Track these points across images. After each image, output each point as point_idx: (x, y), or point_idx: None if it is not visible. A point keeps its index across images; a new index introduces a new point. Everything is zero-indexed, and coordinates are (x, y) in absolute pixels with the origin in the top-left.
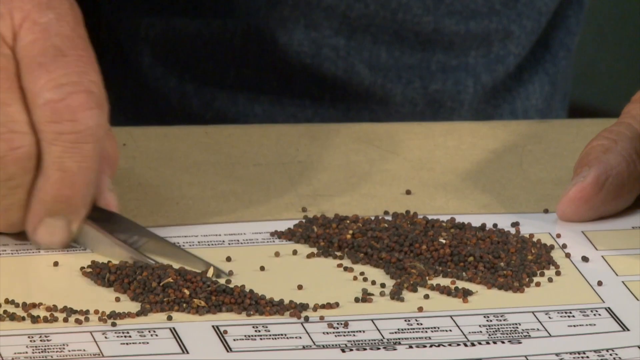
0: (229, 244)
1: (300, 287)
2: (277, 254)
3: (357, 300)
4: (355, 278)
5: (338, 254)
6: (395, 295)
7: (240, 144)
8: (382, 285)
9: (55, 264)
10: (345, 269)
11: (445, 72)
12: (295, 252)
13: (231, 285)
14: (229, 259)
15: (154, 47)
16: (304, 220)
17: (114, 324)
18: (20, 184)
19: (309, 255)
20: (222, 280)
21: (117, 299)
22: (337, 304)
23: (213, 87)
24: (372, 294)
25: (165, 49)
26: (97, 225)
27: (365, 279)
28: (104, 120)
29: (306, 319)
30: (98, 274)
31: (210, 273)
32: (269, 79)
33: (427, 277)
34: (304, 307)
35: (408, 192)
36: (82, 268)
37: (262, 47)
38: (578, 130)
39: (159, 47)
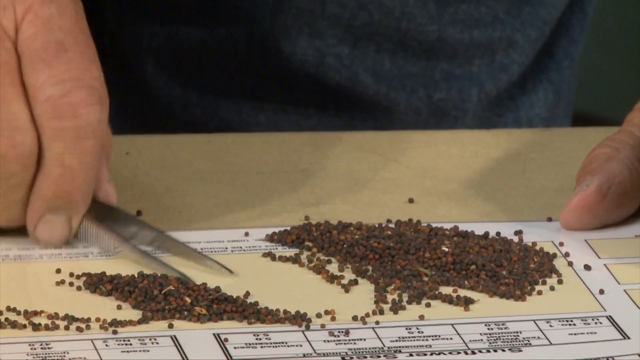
0: (231, 251)
1: (301, 296)
2: (273, 259)
3: (361, 318)
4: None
5: (337, 258)
6: (398, 305)
7: (243, 152)
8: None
9: (58, 271)
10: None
11: (449, 81)
12: (297, 260)
13: (233, 294)
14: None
15: (158, 56)
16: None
17: (115, 332)
18: (21, 181)
19: (310, 260)
20: (224, 278)
21: (119, 307)
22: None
23: (217, 96)
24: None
25: (169, 58)
26: (97, 220)
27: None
28: (105, 116)
29: (307, 327)
30: (93, 283)
31: (209, 266)
32: (273, 87)
33: (438, 285)
34: (303, 317)
35: (411, 201)
36: (77, 277)
37: (266, 56)
38: (581, 139)
39: (162, 55)
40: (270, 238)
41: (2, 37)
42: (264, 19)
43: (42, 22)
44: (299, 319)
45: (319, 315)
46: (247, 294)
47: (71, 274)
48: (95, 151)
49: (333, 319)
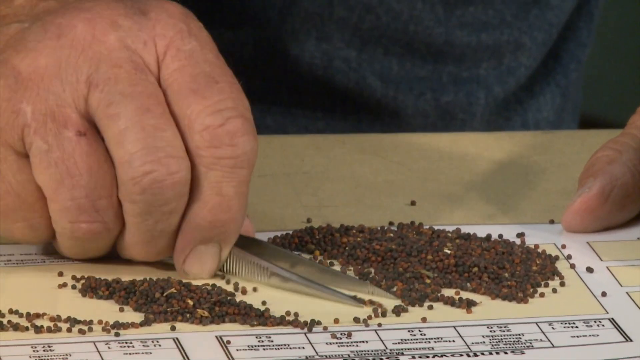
0: None
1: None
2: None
3: (363, 321)
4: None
5: (339, 261)
6: (400, 307)
7: None
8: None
9: (60, 274)
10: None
11: (456, 84)
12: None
13: (236, 298)
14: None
15: None
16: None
17: (117, 334)
18: (175, 210)
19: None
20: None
21: (121, 309)
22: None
23: None
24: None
25: None
26: (242, 252)
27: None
28: (257, 146)
29: (310, 329)
30: (91, 287)
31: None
32: (280, 90)
33: (440, 287)
34: (308, 323)
35: (413, 203)
36: (78, 280)
37: (273, 59)
38: (583, 141)
39: None
40: (273, 242)
41: (145, 71)
42: (272, 22)
43: (186, 57)
44: (302, 323)
45: (320, 321)
46: (244, 289)
47: (73, 277)
48: (248, 180)
49: (336, 321)
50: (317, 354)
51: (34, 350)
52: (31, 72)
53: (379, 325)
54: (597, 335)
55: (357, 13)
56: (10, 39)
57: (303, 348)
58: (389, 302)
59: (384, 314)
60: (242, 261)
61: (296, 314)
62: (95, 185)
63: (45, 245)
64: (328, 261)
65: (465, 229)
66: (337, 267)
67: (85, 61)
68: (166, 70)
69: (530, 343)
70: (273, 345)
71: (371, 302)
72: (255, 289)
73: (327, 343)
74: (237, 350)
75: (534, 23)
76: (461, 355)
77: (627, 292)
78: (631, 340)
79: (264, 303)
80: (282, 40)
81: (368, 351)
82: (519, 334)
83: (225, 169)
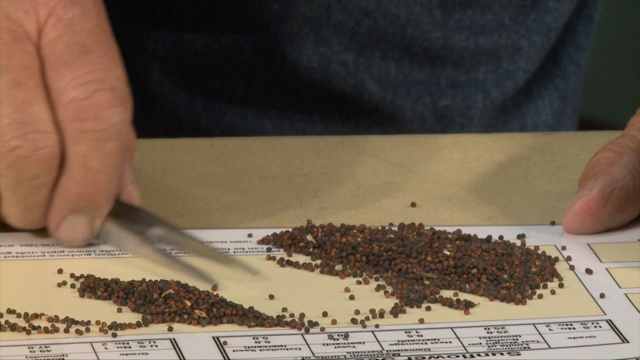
0: (234, 252)
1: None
2: (279, 262)
3: (361, 322)
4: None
5: (338, 266)
6: (398, 308)
7: (246, 156)
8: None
9: (60, 271)
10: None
11: (454, 88)
12: (298, 264)
13: (231, 297)
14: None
15: (163, 63)
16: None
17: (114, 335)
18: (44, 183)
19: (311, 267)
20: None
21: (119, 310)
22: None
23: (222, 103)
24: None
25: (174, 64)
26: (119, 221)
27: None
28: (127, 117)
29: (307, 330)
30: (90, 287)
31: (233, 267)
32: (278, 94)
33: (439, 288)
34: (305, 324)
35: (413, 205)
36: (77, 278)
37: (271, 63)
38: (583, 143)
39: (167, 62)
40: (272, 240)
41: (24, 41)
42: (270, 26)
43: (64, 25)
44: (299, 324)
45: (316, 322)
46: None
47: (72, 275)
48: (118, 153)
49: (333, 322)
50: (314, 355)
51: (30, 351)
52: None
53: (376, 326)
54: (594, 337)
55: (354, 17)
56: None
57: (299, 349)
58: (378, 303)
59: (381, 315)
60: (115, 230)
61: (292, 315)
62: None
63: (46, 238)
64: (327, 262)
65: (466, 231)
66: (338, 267)
67: None
68: (44, 40)
69: (527, 344)
70: (269, 346)
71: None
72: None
73: (323, 344)
74: (234, 351)
75: (532, 27)
76: (457, 356)
77: (625, 294)
78: (628, 342)
79: (262, 303)
80: (280, 44)
81: (365, 352)
82: (516, 336)
83: (91, 142)
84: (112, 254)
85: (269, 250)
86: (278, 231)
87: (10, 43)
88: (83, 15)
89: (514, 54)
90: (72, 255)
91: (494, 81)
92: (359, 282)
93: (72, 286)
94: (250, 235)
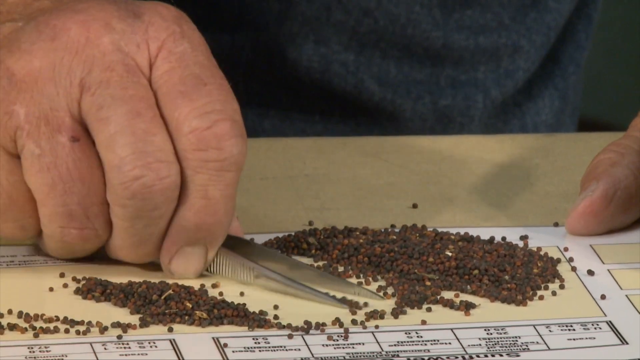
0: None
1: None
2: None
3: (360, 323)
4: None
5: (340, 268)
6: (398, 309)
7: (247, 157)
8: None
9: (62, 275)
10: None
11: (454, 87)
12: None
13: (232, 298)
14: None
15: None
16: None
17: (119, 337)
18: (163, 214)
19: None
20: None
21: (119, 311)
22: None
23: None
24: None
25: None
26: (230, 253)
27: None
28: (245, 149)
29: (306, 331)
30: (90, 289)
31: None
32: (278, 94)
33: (440, 289)
34: (308, 326)
35: (414, 206)
36: (78, 281)
37: (271, 63)
38: (585, 144)
39: None
40: (274, 243)
41: (138, 73)
42: (270, 26)
43: (176, 58)
44: (300, 327)
45: (316, 322)
46: (242, 294)
47: (74, 278)
48: (236, 183)
49: (333, 322)
50: (313, 356)
51: (30, 351)
52: (25, 74)
53: (376, 327)
54: (594, 338)
55: (354, 16)
56: (3, 39)
57: (299, 350)
58: (379, 304)
59: (382, 316)
60: (229, 261)
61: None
62: (88, 193)
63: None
64: (329, 263)
65: (469, 232)
66: (340, 269)
67: (79, 64)
68: (157, 72)
69: (527, 346)
70: (269, 347)
71: (356, 304)
72: (242, 294)
73: (323, 345)
74: (233, 351)
75: (532, 26)
76: (457, 357)
77: (626, 295)
78: (627, 343)
79: (262, 304)
80: (280, 44)
81: (364, 353)
82: (516, 337)
83: (212, 172)
84: (111, 259)
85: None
86: (281, 235)
87: (124, 75)
88: (193, 50)
89: (514, 54)
90: (75, 262)
91: (494, 81)
92: (360, 283)
93: (74, 289)
94: (251, 240)
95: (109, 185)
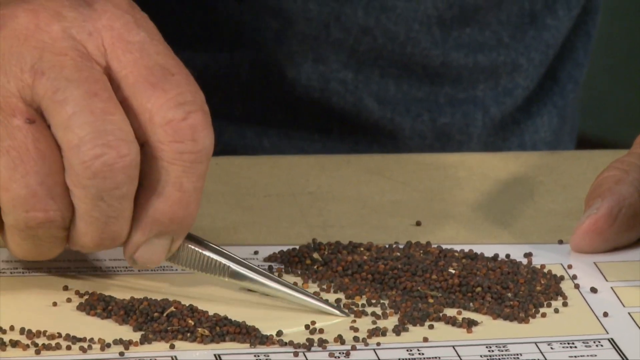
0: None
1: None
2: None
3: (363, 339)
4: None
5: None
6: (400, 327)
7: (251, 174)
8: (383, 314)
9: (65, 288)
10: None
11: (453, 105)
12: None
13: (233, 315)
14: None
15: None
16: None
17: (121, 354)
18: (126, 194)
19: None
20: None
21: (121, 328)
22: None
23: (220, 121)
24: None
25: None
26: (193, 243)
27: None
28: (214, 140)
29: (308, 348)
30: (92, 305)
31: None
32: (277, 112)
33: (442, 307)
34: (309, 343)
35: (418, 224)
36: (81, 295)
37: (269, 81)
38: (589, 162)
39: None
40: (278, 257)
41: (91, 60)
42: (268, 44)
43: (137, 48)
44: (302, 344)
45: (319, 339)
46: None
47: (77, 292)
48: (205, 175)
49: (335, 339)
50: None
51: None
52: None
53: (378, 344)
54: (595, 356)
55: (353, 35)
56: None
57: None
58: (382, 322)
59: (384, 333)
60: (200, 256)
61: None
62: (50, 171)
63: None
64: (332, 280)
65: (473, 249)
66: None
67: (29, 50)
68: (117, 63)
69: None
70: None
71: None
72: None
73: None
74: None
75: (530, 44)
76: None
77: (629, 313)
78: None
79: (264, 321)
80: (279, 62)
81: None
82: (517, 354)
83: (186, 163)
84: (112, 275)
85: (270, 268)
86: (285, 248)
87: (77, 60)
88: (151, 39)
89: (513, 72)
90: (78, 274)
91: (493, 98)
92: (363, 306)
93: (76, 304)
94: (256, 252)
95: (68, 167)
